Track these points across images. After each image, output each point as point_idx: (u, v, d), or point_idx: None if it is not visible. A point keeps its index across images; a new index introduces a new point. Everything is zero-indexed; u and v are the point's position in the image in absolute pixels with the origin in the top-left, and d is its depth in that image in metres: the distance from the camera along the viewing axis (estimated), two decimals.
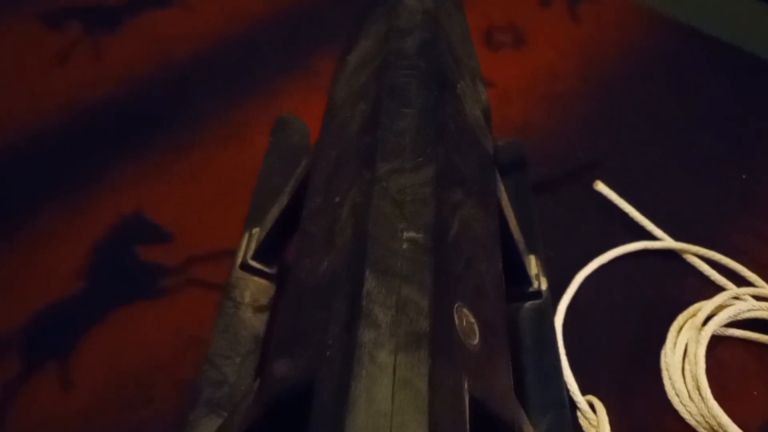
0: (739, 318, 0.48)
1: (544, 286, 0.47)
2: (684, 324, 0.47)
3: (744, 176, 0.58)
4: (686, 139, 0.61)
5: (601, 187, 0.55)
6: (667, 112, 0.63)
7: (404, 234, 0.27)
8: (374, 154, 0.31)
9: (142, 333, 0.46)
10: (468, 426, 0.24)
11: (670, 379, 0.45)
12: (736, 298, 0.48)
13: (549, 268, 0.49)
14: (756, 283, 0.49)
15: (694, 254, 0.51)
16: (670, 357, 0.46)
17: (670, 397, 0.45)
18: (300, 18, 0.70)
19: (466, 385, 0.24)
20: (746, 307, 0.48)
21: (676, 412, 0.44)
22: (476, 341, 0.26)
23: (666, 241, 0.52)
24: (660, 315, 0.48)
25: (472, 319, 0.27)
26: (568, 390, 0.44)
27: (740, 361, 0.47)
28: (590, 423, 0.43)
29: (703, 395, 0.43)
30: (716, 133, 0.62)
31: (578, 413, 0.44)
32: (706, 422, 0.43)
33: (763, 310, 0.48)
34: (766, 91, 0.66)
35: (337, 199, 0.31)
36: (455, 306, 0.26)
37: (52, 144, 0.57)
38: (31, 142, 0.57)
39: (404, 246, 0.27)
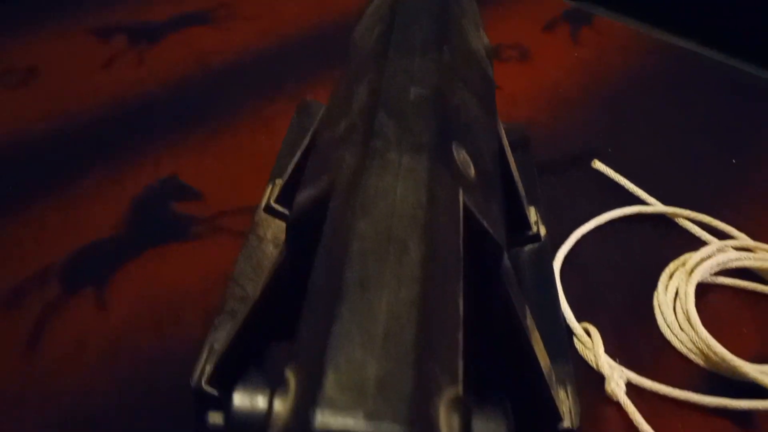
0: (727, 267, 0.51)
1: (542, 232, 0.51)
2: (674, 271, 0.51)
3: (734, 161, 0.62)
4: (681, 136, 0.66)
5: (598, 165, 0.60)
6: (663, 117, 0.68)
7: (412, 90, 0.32)
8: (387, 50, 0.36)
9: (174, 268, 0.50)
10: (462, 222, 0.28)
11: (662, 314, 0.48)
12: (721, 250, 0.52)
13: (548, 229, 0.53)
14: (740, 239, 0.53)
15: (686, 218, 0.55)
16: (662, 297, 0.49)
17: (662, 330, 0.48)
18: (326, 37, 0.77)
19: (461, 192, 0.29)
20: (734, 256, 0.51)
21: (668, 342, 0.47)
22: (472, 174, 0.31)
23: (659, 206, 0.56)
24: (652, 267, 0.52)
25: (469, 160, 0.31)
26: (564, 319, 0.47)
27: (730, 305, 0.50)
28: (585, 346, 0.46)
29: (693, 324, 0.46)
30: (708, 133, 0.66)
31: (574, 339, 0.47)
32: (697, 348, 0.46)
33: (750, 259, 0.51)
34: (752, 102, 0.71)
35: (354, 87, 0.36)
36: (453, 142, 0.31)
37: (97, 127, 0.63)
38: (79, 126, 0.63)
39: (412, 97, 0.31)
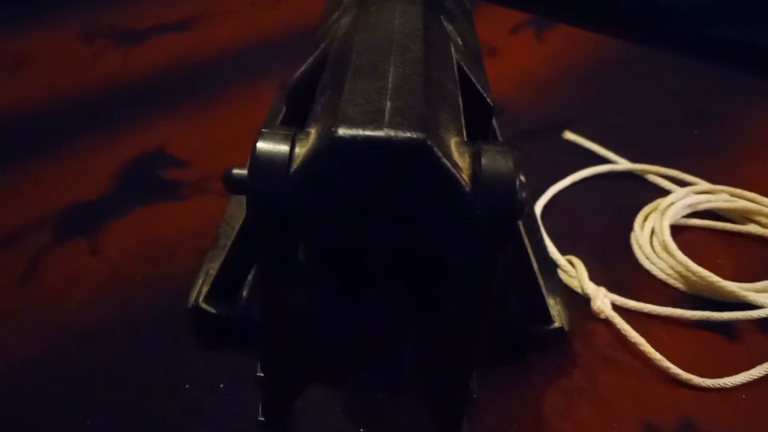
0: (697, 209, 0.54)
1: (522, 178, 0.53)
2: (648, 214, 0.53)
3: (695, 131, 0.66)
4: (645, 110, 0.69)
5: (569, 135, 0.63)
6: (628, 97, 0.72)
7: None
8: None
9: (165, 220, 0.51)
10: (455, 61, 0.30)
11: (640, 248, 0.50)
12: (687, 195, 0.54)
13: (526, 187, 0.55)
14: (701, 184, 0.56)
15: (654, 173, 0.58)
16: (638, 233, 0.51)
17: (641, 262, 0.49)
18: (307, 35, 0.80)
19: (453, 48, 0.30)
20: (703, 198, 0.53)
21: (647, 271, 0.49)
22: (461, 44, 0.33)
23: (628, 165, 0.59)
24: (625, 213, 0.54)
25: (457, 34, 0.33)
26: (548, 251, 0.49)
27: (703, 241, 0.52)
28: (570, 275, 0.47)
29: (671, 252, 0.48)
30: (671, 107, 0.70)
31: (558, 271, 0.48)
32: (676, 272, 0.48)
33: (716, 201, 0.53)
34: (708, 87, 0.75)
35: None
36: (442, 15, 0.33)
37: (84, 106, 0.64)
38: (67, 104, 0.64)
39: None
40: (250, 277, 0.42)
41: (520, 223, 0.39)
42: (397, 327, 0.24)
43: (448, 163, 0.20)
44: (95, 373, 0.39)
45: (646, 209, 0.53)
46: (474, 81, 0.31)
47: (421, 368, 0.25)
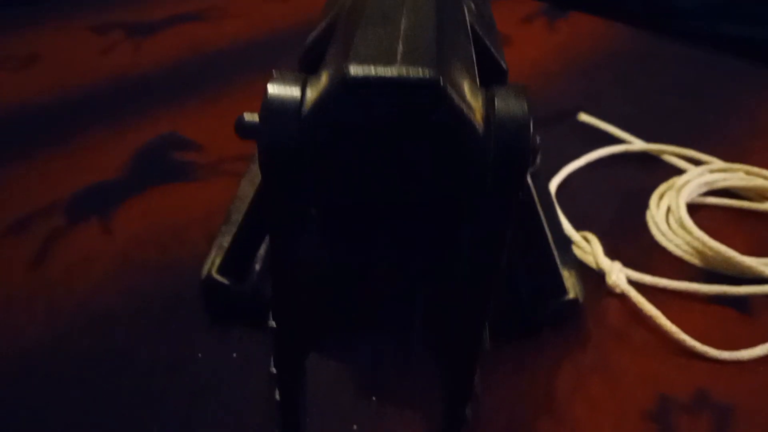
0: (713, 188, 0.53)
1: (537, 160, 0.53)
2: (664, 192, 0.53)
3: (710, 117, 0.65)
4: (655, 99, 0.69)
5: (584, 117, 0.62)
6: (637, 86, 0.71)
7: None
8: None
9: (177, 201, 0.51)
10: (470, 34, 0.29)
11: (656, 225, 0.50)
12: (702, 173, 0.54)
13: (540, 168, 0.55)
14: (716, 162, 0.55)
15: (670, 153, 0.57)
16: (654, 211, 0.51)
17: (657, 239, 0.49)
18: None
19: (466, 11, 0.30)
20: (719, 177, 0.53)
21: (662, 248, 0.48)
22: (474, 9, 0.32)
23: (644, 145, 0.58)
24: (640, 192, 0.53)
25: (471, 4, 0.33)
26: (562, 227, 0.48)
27: (719, 219, 0.52)
28: (584, 251, 0.47)
29: (688, 228, 0.48)
30: (681, 96, 0.69)
31: (573, 247, 0.48)
32: (692, 248, 0.47)
33: (733, 179, 0.53)
34: (717, 77, 0.75)
35: None
36: None
37: (96, 98, 0.65)
38: (79, 97, 0.65)
39: None
40: (262, 251, 0.42)
41: (535, 196, 0.38)
42: (408, 280, 0.24)
43: (461, 104, 0.20)
44: (105, 357, 0.39)
45: (661, 187, 0.53)
46: (488, 44, 0.31)
47: (432, 323, 0.25)
